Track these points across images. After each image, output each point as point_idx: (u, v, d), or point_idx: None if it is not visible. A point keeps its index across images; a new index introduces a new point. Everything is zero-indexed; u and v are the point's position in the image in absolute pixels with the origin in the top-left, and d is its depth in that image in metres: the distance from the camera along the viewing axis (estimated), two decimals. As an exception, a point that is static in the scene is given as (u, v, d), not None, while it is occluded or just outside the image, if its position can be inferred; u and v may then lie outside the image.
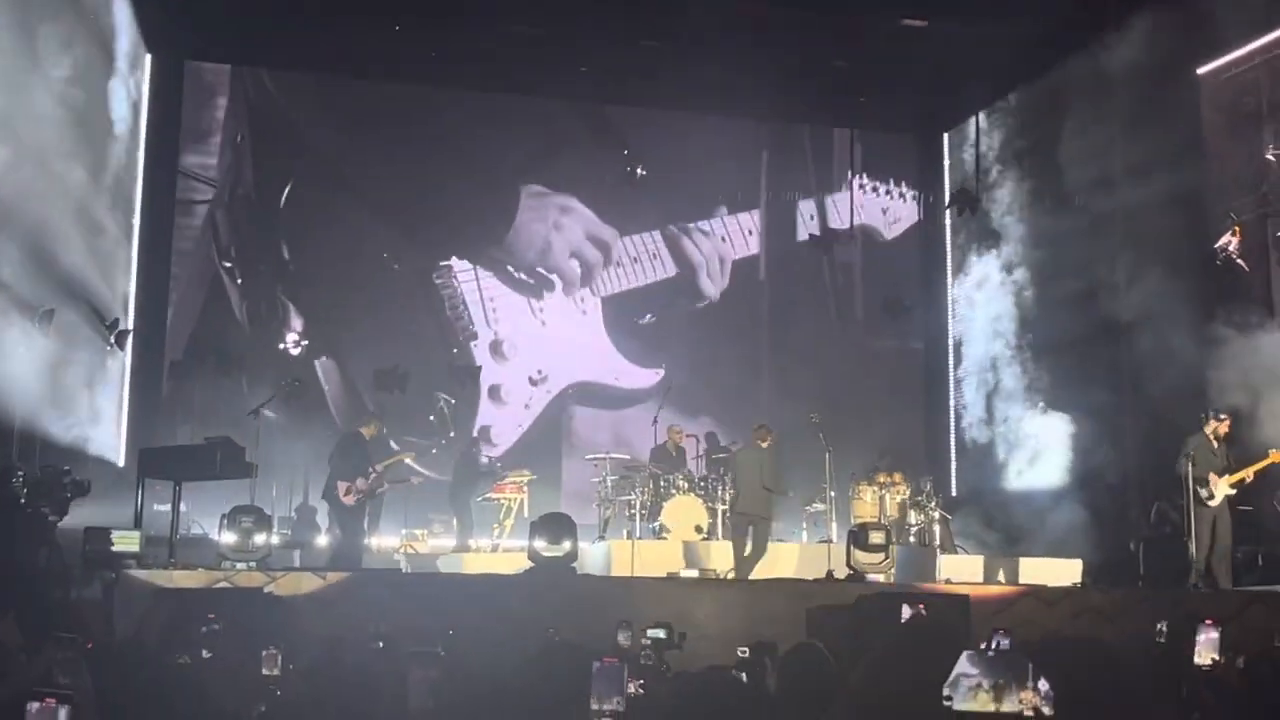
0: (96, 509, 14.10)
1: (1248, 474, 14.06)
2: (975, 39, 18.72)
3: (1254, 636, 10.55)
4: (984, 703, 2.41)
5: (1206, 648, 8.04)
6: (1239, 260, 16.53)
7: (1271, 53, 16.65)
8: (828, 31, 18.74)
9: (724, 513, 16.28)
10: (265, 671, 5.66)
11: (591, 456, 17.98)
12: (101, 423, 17.33)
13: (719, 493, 16.50)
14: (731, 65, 18.82)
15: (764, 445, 15.35)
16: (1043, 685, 2.42)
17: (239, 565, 11.99)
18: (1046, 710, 2.43)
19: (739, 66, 18.77)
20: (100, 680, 6.01)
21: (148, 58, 19.59)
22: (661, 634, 8.83)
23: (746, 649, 6.98)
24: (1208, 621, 8.08)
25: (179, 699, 6.23)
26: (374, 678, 5.55)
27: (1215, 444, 14.19)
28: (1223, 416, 14.39)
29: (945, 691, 2.42)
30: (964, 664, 2.42)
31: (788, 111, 21.79)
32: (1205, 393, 15.41)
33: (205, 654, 5.85)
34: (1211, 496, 13.92)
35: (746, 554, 14.99)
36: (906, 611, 10.36)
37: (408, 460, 17.29)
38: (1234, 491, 14.04)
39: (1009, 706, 2.41)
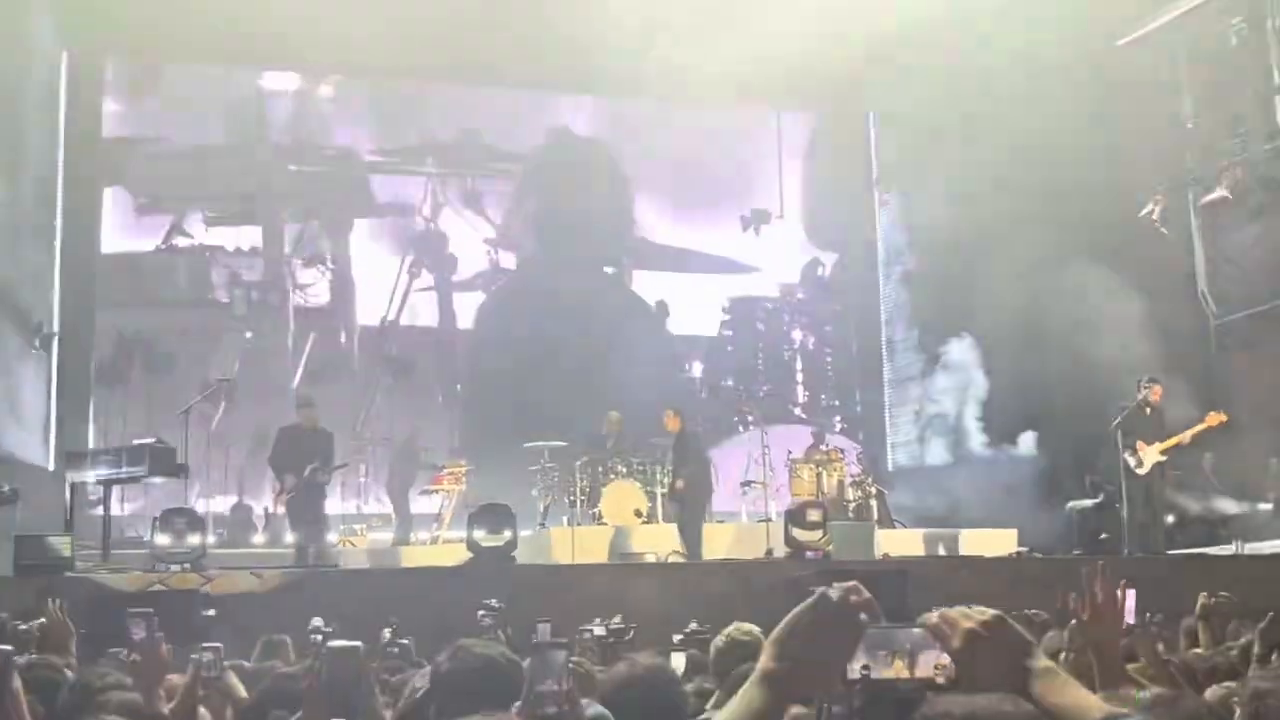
0: (26, 516, 13.90)
1: (1184, 438, 14.17)
2: (898, 15, 18.76)
3: (1187, 599, 10.72)
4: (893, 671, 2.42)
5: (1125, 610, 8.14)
6: (1162, 229, 16.75)
7: (1189, 22, 16.87)
8: (751, 10, 18.71)
9: (664, 496, 16.28)
10: (202, 672, 5.58)
11: (529, 445, 17.92)
12: (28, 427, 17.07)
13: (657, 476, 16.50)
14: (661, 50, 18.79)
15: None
16: (943, 657, 2.43)
17: (173, 567, 11.84)
18: (943, 680, 2.44)
19: (666, 51, 18.74)
20: (33, 686, 5.93)
21: (64, 55, 19.29)
22: (602, 630, 8.72)
23: (679, 638, 6.99)
24: (1123, 583, 8.17)
25: (113, 703, 6.15)
26: (310, 674, 5.49)
27: (1147, 411, 14.33)
28: (1154, 384, 14.55)
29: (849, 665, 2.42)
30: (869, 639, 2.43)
31: (714, 95, 21.78)
32: (1133, 361, 15.63)
33: (134, 657, 5.77)
34: (1140, 464, 14.08)
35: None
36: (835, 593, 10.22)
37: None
38: (1165, 458, 14.19)
39: (918, 673, 2.42)
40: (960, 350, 19.96)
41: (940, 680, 2.45)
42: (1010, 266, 18.45)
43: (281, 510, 14.70)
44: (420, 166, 22.33)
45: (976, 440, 19.42)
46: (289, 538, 14.58)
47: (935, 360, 20.68)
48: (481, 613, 9.16)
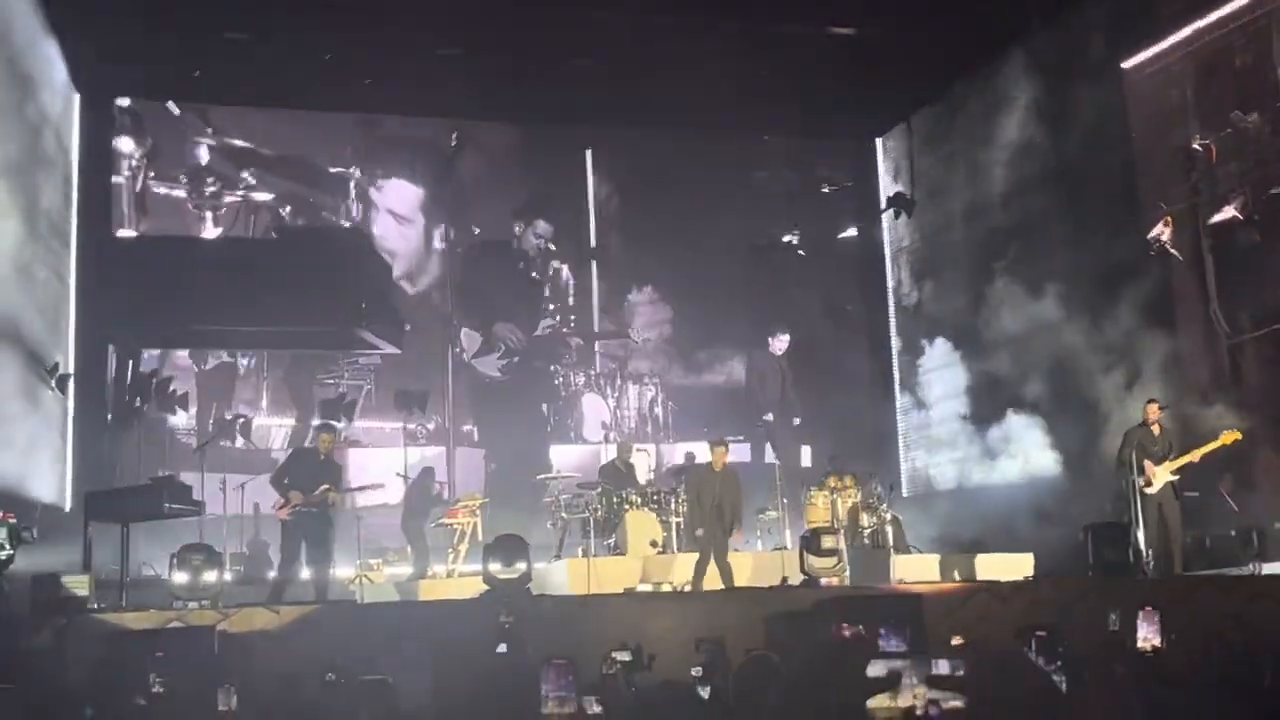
0: (44, 554, 13.93)
1: (1194, 457, 14.16)
2: (902, 44, 18.88)
3: (1203, 621, 10.69)
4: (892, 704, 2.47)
5: (1148, 634, 8.17)
6: (1172, 250, 16.75)
7: (1194, 44, 16.91)
8: (755, 42, 18.81)
9: (678, 525, 16.30)
10: (221, 708, 5.63)
11: (542, 476, 17.95)
12: (45, 467, 17.12)
13: (673, 506, 16.52)
14: (660, 80, 18.90)
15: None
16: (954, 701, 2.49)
17: (191, 604, 11.86)
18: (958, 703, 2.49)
19: (667, 81, 18.85)
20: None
21: (76, 97, 19.42)
22: (627, 656, 8.75)
23: (700, 668, 7.00)
24: (1147, 608, 8.21)
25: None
26: (328, 711, 5.53)
27: (1154, 432, 14.34)
28: (1162, 405, 14.57)
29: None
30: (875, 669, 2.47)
31: (719, 124, 21.89)
32: (1144, 383, 15.65)
33: (157, 689, 5.80)
34: (1149, 484, 14.07)
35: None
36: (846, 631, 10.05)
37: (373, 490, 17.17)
38: (1177, 478, 14.17)
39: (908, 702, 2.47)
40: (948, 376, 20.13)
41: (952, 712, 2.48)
42: (1017, 287, 18.52)
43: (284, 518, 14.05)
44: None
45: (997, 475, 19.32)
46: (305, 573, 14.48)
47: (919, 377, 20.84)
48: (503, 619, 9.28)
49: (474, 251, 22.61)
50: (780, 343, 23.12)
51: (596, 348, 23.03)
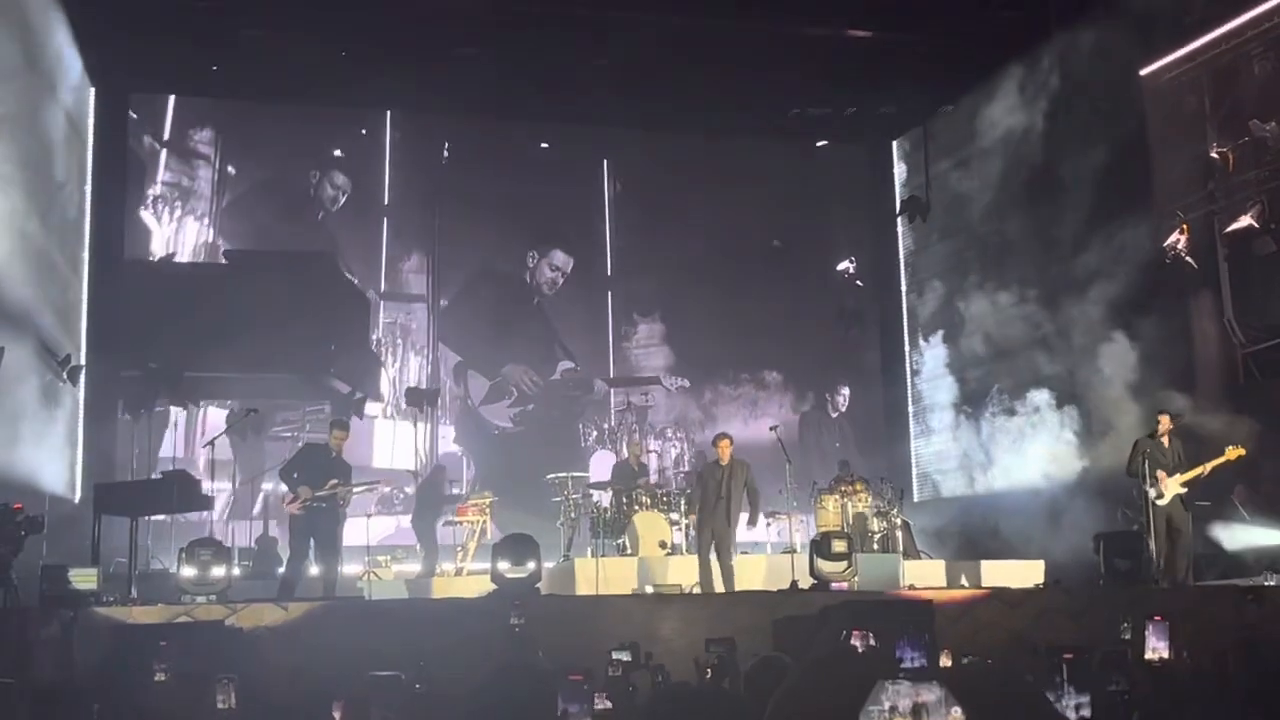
0: (52, 546, 13.93)
1: (1203, 470, 14.11)
2: (920, 48, 18.83)
3: (1215, 631, 10.64)
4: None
5: (1156, 643, 8.10)
6: (1188, 258, 16.69)
7: (1212, 52, 16.84)
8: (773, 45, 18.77)
9: (688, 526, 16.25)
10: (220, 705, 5.60)
11: (553, 475, 17.91)
12: (55, 458, 17.11)
13: (683, 507, 16.47)
14: (677, 82, 18.84)
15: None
16: (957, 711, 2.44)
17: (199, 599, 11.84)
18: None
19: (684, 83, 18.79)
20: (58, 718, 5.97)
21: (91, 90, 19.44)
22: (627, 656, 8.76)
23: (710, 669, 6.99)
24: (1156, 618, 8.13)
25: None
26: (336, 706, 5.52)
27: (1166, 443, 14.27)
28: (1175, 415, 14.50)
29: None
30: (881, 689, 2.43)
31: (736, 126, 21.83)
32: (1157, 391, 15.58)
33: (161, 676, 5.78)
34: (1160, 495, 14.02)
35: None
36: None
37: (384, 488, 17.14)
38: (1185, 490, 14.10)
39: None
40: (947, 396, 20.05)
41: None
42: (1030, 293, 18.45)
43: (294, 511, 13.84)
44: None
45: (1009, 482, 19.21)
46: (314, 569, 14.43)
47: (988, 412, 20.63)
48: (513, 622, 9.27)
49: (475, 283, 21.51)
50: (841, 398, 22.61)
51: (612, 399, 22.05)
